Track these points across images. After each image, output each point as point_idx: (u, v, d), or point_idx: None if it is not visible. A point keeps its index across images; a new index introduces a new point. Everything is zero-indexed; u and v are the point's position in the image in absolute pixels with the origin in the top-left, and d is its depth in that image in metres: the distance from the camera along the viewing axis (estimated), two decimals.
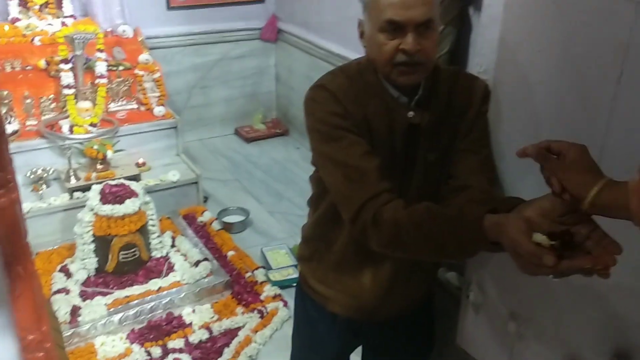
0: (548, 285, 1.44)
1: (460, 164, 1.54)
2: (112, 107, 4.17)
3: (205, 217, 3.95)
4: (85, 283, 3.13)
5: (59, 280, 3.12)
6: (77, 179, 3.65)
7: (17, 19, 4.11)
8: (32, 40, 3.99)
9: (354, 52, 4.28)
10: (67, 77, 3.83)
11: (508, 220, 1.17)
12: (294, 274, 3.42)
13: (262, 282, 3.33)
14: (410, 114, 1.51)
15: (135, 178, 3.74)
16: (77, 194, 3.58)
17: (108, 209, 3.05)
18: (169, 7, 4.87)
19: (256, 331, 2.99)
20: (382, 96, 1.52)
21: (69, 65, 3.85)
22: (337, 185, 1.52)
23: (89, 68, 3.98)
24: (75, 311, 2.89)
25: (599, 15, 1.14)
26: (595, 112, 1.19)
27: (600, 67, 1.16)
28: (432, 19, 1.40)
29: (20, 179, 3.59)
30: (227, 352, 2.86)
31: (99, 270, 3.19)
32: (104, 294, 3.05)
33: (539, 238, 1.08)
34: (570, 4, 1.20)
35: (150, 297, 3.05)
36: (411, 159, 1.55)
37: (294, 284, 3.30)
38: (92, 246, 3.13)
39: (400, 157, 1.55)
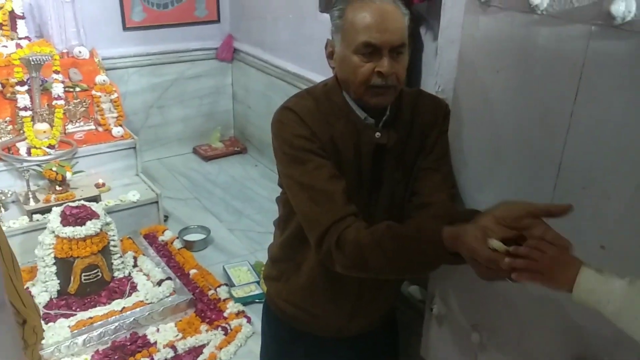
0: (509, 297, 1.46)
1: (422, 181, 1.55)
2: (70, 128, 4.10)
3: (166, 236, 3.90)
4: (48, 305, 3.05)
5: None
6: (36, 201, 3.57)
7: None
8: None
9: (309, 70, 4.32)
10: (23, 99, 3.76)
11: (465, 230, 1.20)
12: (256, 290, 3.40)
13: (225, 299, 3.30)
14: (378, 134, 1.51)
15: (95, 199, 3.68)
16: (36, 216, 3.51)
17: (69, 231, 2.98)
18: (125, 28, 4.82)
19: (221, 348, 2.96)
20: (349, 117, 1.51)
21: (25, 87, 3.77)
22: (303, 208, 1.50)
23: (46, 90, 3.91)
24: None
25: (555, 36, 1.18)
26: (553, 129, 1.22)
27: (558, 86, 1.19)
28: (405, 44, 1.42)
29: None
30: None
31: (61, 293, 3.11)
32: (67, 316, 2.98)
33: (494, 244, 1.11)
34: (527, 26, 1.23)
35: (113, 317, 2.99)
36: (378, 178, 1.56)
37: (257, 300, 3.32)
38: (54, 268, 3.05)
39: (367, 176, 1.55)
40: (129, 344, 2.93)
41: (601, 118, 1.13)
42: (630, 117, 1.08)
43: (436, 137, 1.56)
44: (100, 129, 4.20)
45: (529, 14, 1.20)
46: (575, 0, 1.12)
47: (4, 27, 4.17)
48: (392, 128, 1.53)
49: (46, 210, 3.40)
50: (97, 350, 2.88)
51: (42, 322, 2.90)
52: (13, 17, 4.19)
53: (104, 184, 3.96)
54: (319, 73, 4.15)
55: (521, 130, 1.31)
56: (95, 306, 3.07)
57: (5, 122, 3.82)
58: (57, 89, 3.90)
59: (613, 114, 1.11)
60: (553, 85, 1.20)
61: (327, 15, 4.27)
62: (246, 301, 3.33)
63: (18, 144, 3.77)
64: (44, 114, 3.87)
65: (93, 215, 3.11)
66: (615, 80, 1.09)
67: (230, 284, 3.47)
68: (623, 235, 1.15)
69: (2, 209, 3.56)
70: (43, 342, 2.77)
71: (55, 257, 3.03)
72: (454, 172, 1.57)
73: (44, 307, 3.02)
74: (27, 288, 3.13)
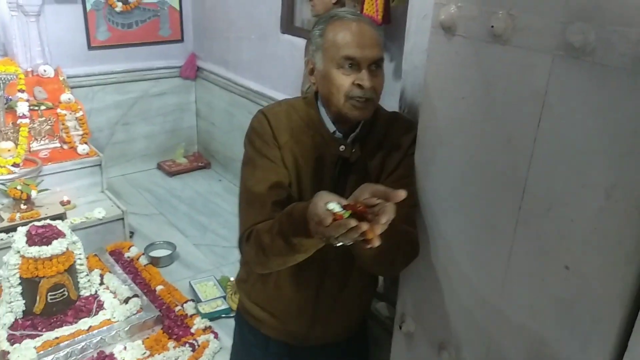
0: (476, 313, 1.45)
1: None
2: (35, 146, 3.99)
3: (132, 252, 3.82)
4: (13, 326, 2.92)
5: None
6: (1, 220, 3.44)
7: None
8: None
9: (270, 88, 4.31)
10: None
11: (320, 193, 1.24)
12: (223, 305, 3.34)
13: (192, 315, 3.23)
14: (342, 147, 1.54)
15: (61, 217, 3.58)
16: (1, 236, 3.38)
17: (35, 251, 2.87)
18: (90, 47, 4.73)
19: None
20: (319, 129, 1.56)
21: None
22: (239, 205, 1.57)
23: (10, 108, 3.81)
24: (3, 356, 2.70)
25: (517, 65, 1.17)
26: (518, 153, 1.21)
27: (522, 113, 1.18)
28: (383, 59, 1.49)
29: None
30: None
31: (27, 313, 2.99)
32: (33, 337, 2.86)
33: (331, 206, 1.15)
34: (490, 54, 1.22)
35: (80, 337, 2.89)
36: (342, 191, 1.55)
37: (224, 315, 3.26)
38: (19, 289, 2.93)
39: (329, 188, 1.52)
40: None
41: (564, 143, 1.13)
42: (592, 143, 1.08)
43: (400, 158, 1.57)
44: (65, 146, 4.10)
45: (493, 43, 1.20)
46: (537, 31, 1.11)
47: None
48: (360, 144, 1.56)
49: (11, 229, 3.29)
50: None
51: (8, 343, 2.79)
52: None
53: (69, 202, 3.86)
54: (280, 91, 4.14)
55: (486, 155, 1.30)
56: (61, 326, 2.96)
57: None
58: (22, 108, 3.80)
59: (576, 139, 1.10)
60: (517, 111, 1.20)
61: (288, 36, 4.31)
62: (213, 317, 3.27)
63: None
64: (9, 133, 3.77)
65: (59, 234, 3.02)
66: (577, 108, 1.09)
67: (196, 299, 3.41)
68: (586, 256, 1.15)
69: None
70: None
71: (20, 277, 2.91)
72: (419, 194, 1.56)
73: (9, 328, 2.90)
74: None
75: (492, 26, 1.16)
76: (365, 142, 1.56)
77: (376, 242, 1.15)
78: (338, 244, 1.18)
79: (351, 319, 1.80)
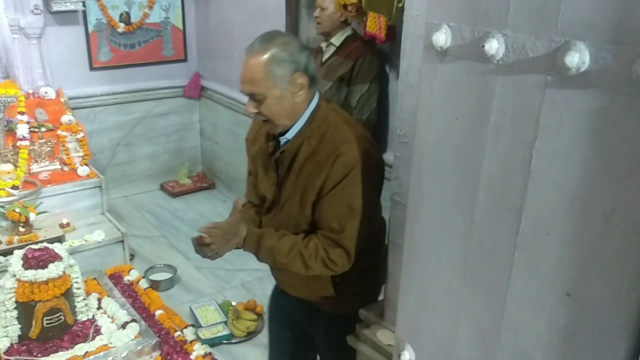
0: (476, 341, 1.42)
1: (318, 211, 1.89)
2: (35, 168, 4.00)
3: (132, 275, 3.79)
4: (8, 351, 2.90)
5: None
6: None
7: None
8: None
9: None
10: None
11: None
12: (224, 330, 3.31)
13: (191, 341, 3.19)
14: (270, 145, 1.95)
15: (59, 239, 3.57)
16: None
17: (31, 275, 2.86)
18: (92, 68, 4.77)
19: None
20: (265, 134, 1.99)
21: None
22: None
23: (10, 130, 3.82)
24: None
25: (511, 85, 1.16)
26: (514, 175, 1.20)
27: (516, 134, 1.17)
28: (259, 92, 1.76)
29: None
30: None
31: (22, 337, 2.96)
32: None
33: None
34: (483, 75, 1.21)
35: None
36: (283, 183, 1.94)
37: (224, 342, 3.23)
38: (15, 313, 2.91)
39: (275, 179, 1.96)
40: None
41: (561, 166, 1.10)
42: (590, 165, 1.06)
43: (326, 176, 1.82)
44: (65, 168, 4.10)
45: (486, 63, 1.18)
46: (530, 51, 1.10)
47: None
48: (292, 148, 1.87)
49: (8, 252, 3.28)
50: None
51: None
52: None
53: (68, 224, 3.86)
54: None
55: (482, 177, 1.28)
56: (57, 351, 2.93)
57: None
58: (22, 130, 3.82)
59: (573, 161, 1.08)
60: (512, 132, 1.18)
61: None
62: (213, 342, 3.24)
63: None
64: (8, 155, 3.78)
65: (56, 257, 3.00)
66: (573, 129, 1.07)
67: (197, 324, 3.38)
68: (587, 283, 1.12)
69: None
70: None
71: (16, 301, 2.90)
72: (414, 219, 1.54)
73: (4, 352, 2.88)
74: None
75: (483, 46, 1.14)
76: (301, 146, 1.86)
77: (208, 240, 1.86)
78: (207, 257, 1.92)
79: (305, 286, 2.08)
